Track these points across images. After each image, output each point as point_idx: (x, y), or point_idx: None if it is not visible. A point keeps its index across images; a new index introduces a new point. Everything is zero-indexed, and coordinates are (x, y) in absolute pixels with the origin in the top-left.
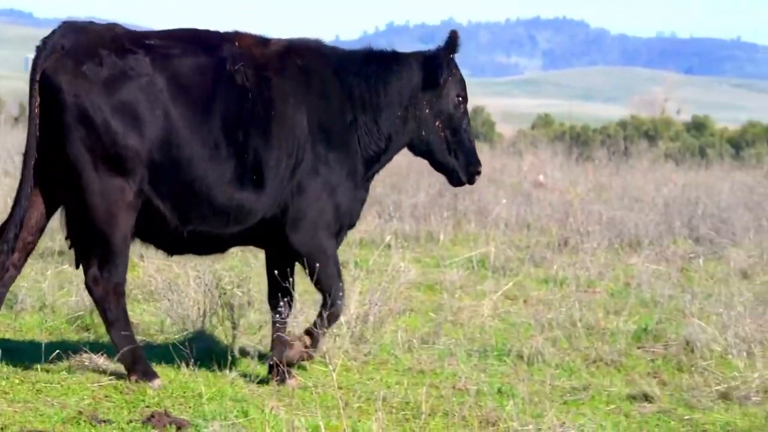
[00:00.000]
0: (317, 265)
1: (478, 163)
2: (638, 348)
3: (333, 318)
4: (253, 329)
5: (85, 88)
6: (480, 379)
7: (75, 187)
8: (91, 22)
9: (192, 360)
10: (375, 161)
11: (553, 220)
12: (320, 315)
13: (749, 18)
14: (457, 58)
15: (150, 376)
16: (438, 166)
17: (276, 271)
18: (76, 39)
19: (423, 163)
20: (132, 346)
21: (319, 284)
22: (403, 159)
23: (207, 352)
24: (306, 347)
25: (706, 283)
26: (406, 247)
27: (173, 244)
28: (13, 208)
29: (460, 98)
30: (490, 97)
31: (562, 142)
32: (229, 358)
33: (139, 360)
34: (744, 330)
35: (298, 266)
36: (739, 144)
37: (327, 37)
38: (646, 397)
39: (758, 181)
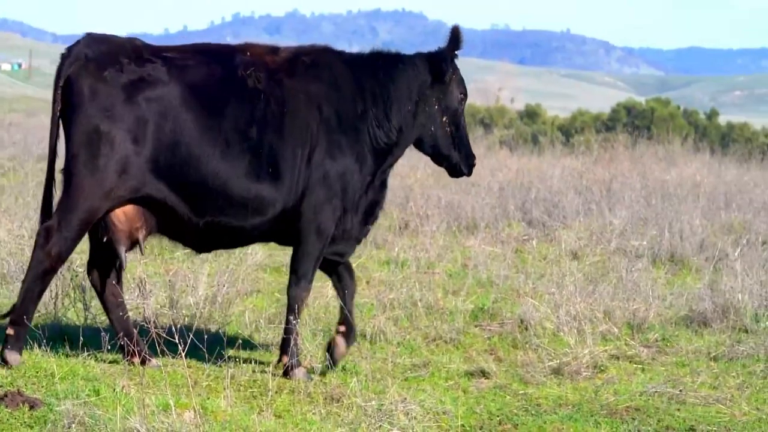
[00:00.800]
0: (309, 238)
1: (474, 155)
2: (475, 326)
3: (303, 294)
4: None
5: (105, 93)
6: (325, 358)
7: (67, 173)
8: (113, 36)
9: (44, 341)
10: (388, 153)
11: (394, 204)
12: (288, 302)
13: (578, 11)
14: None
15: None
16: (442, 159)
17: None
18: (99, 48)
19: None
20: (21, 321)
21: (295, 262)
22: None
23: (59, 333)
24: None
25: (539, 263)
26: None
27: (197, 239)
28: (44, 203)
29: (462, 95)
30: None
31: None
32: (81, 338)
33: (19, 337)
34: (575, 308)
35: None
36: (569, 131)
37: (174, 27)
38: (483, 373)
39: (587, 166)
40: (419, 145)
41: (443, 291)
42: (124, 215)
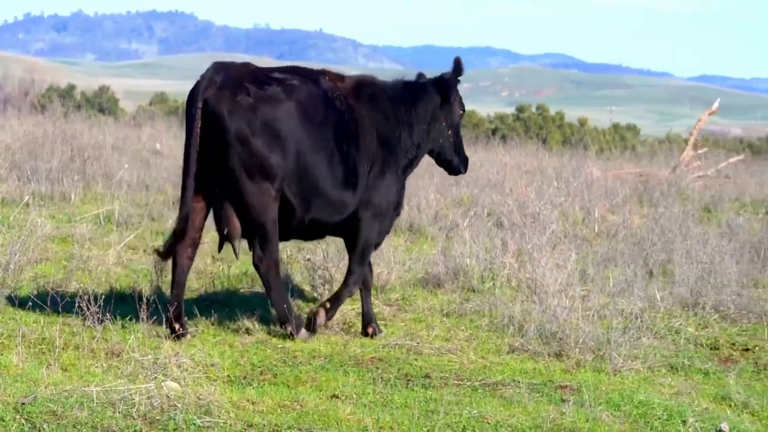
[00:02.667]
0: (366, 240)
1: (467, 157)
2: (240, 288)
3: (355, 285)
4: None
5: (240, 113)
6: (106, 318)
7: (234, 189)
8: (232, 63)
9: None
10: (409, 166)
11: (169, 181)
12: (345, 283)
13: (329, 13)
14: (86, 44)
15: (299, 328)
16: (445, 163)
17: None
18: (226, 75)
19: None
20: (288, 305)
21: (354, 259)
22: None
23: None
24: (327, 311)
25: None
26: (42, 205)
27: (294, 230)
28: (181, 210)
29: (462, 111)
30: (114, 78)
31: (176, 116)
32: None
33: (293, 315)
34: (328, 273)
35: None
36: None
37: None
38: (247, 330)
39: None
40: (429, 153)
41: (211, 258)
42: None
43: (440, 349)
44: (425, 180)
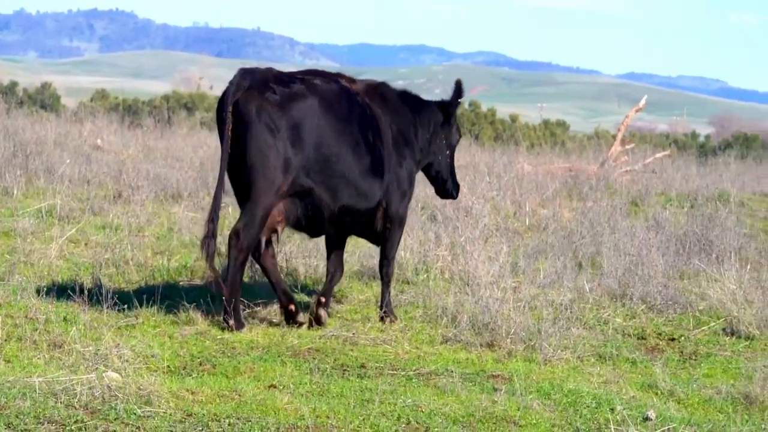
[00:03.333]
0: (396, 229)
1: (458, 184)
2: (180, 281)
3: (390, 273)
4: None
5: (268, 111)
6: (48, 310)
7: (247, 174)
8: (257, 68)
9: None
10: (417, 164)
11: (109, 176)
12: (384, 270)
13: (266, 12)
14: (28, 42)
15: (237, 323)
16: (441, 183)
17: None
18: (253, 78)
19: None
20: (238, 293)
21: (387, 243)
22: None
23: None
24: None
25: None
26: None
27: (324, 222)
28: (211, 208)
29: (459, 136)
30: (56, 75)
31: (117, 112)
32: None
33: (236, 309)
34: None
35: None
36: None
37: None
38: (187, 322)
39: None
40: (428, 170)
41: (152, 251)
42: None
43: (375, 339)
44: None
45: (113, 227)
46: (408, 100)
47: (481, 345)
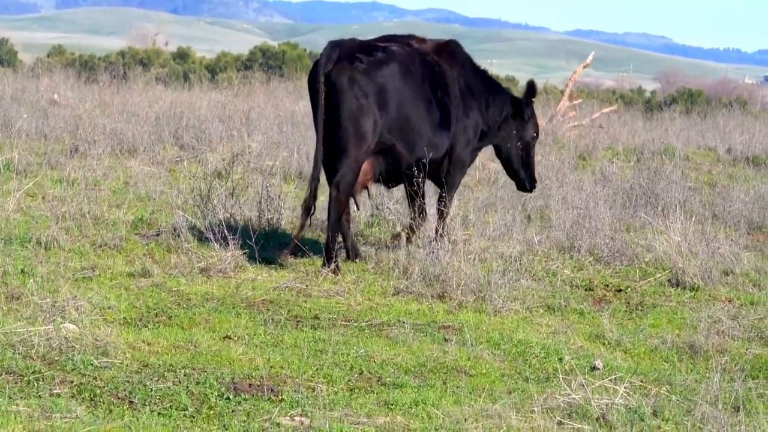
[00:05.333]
0: (457, 171)
1: (536, 180)
2: (136, 234)
3: (446, 215)
4: None
5: (357, 79)
6: (6, 262)
7: (339, 135)
8: (342, 40)
9: None
10: (482, 138)
11: (66, 131)
12: (441, 211)
13: None
14: None
15: (329, 261)
16: (512, 173)
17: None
18: (341, 50)
19: None
20: (335, 237)
21: (447, 186)
22: None
23: None
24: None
25: (189, 181)
26: None
27: (402, 174)
28: (313, 171)
29: (535, 134)
30: (13, 30)
31: (73, 68)
32: None
33: (334, 249)
34: (219, 218)
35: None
36: (214, 70)
37: None
38: (143, 274)
39: (229, 99)
40: (498, 152)
41: (108, 205)
42: (361, 171)
43: (329, 291)
44: (313, 129)
45: (70, 181)
46: (478, 69)
47: (432, 296)
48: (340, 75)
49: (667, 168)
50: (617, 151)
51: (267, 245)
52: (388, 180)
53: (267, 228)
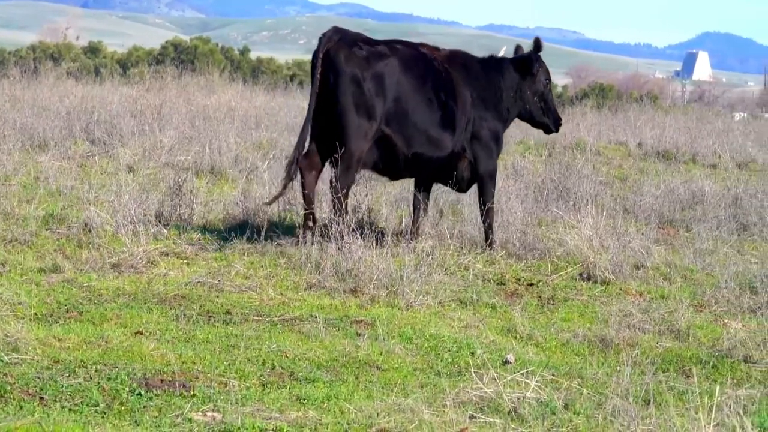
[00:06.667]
0: (488, 182)
1: (560, 117)
2: (47, 230)
3: (490, 219)
4: None
5: (354, 61)
6: None
7: (339, 123)
8: (348, 29)
9: None
10: (504, 123)
11: None
12: (485, 217)
13: None
14: None
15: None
16: (536, 124)
17: (424, 192)
18: (344, 35)
19: None
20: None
21: (483, 196)
22: None
23: None
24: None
25: (101, 176)
26: None
27: (403, 167)
28: (299, 141)
29: (547, 80)
30: None
31: None
32: None
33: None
34: (131, 213)
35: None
36: (126, 64)
37: None
38: (54, 269)
39: (141, 94)
40: (522, 117)
41: (18, 200)
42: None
43: (241, 286)
44: (225, 124)
45: None
46: (491, 66)
47: (344, 291)
48: (338, 54)
49: (578, 162)
50: (529, 145)
51: (179, 240)
52: (385, 170)
53: (179, 223)
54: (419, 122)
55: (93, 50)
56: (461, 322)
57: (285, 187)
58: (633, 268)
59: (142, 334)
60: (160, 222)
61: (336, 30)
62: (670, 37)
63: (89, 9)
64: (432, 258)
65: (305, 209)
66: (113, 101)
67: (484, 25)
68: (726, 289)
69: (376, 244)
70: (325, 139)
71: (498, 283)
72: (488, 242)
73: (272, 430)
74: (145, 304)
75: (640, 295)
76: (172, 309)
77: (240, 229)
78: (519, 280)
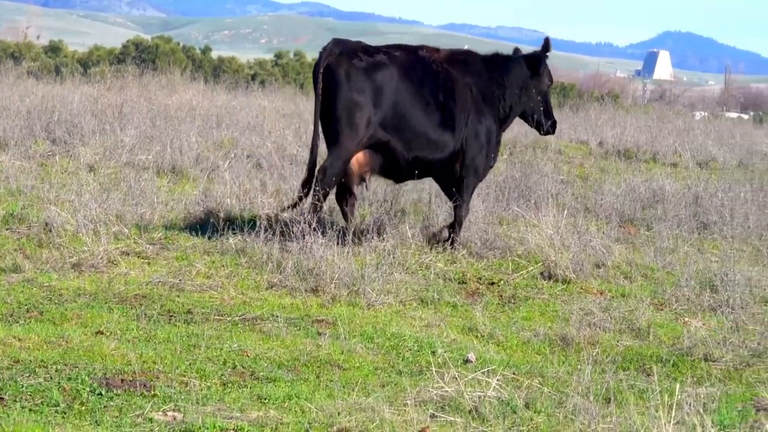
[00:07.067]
0: (471, 176)
1: (556, 121)
2: (7, 229)
3: (461, 215)
4: None
5: (354, 74)
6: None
7: (333, 126)
8: (348, 39)
9: None
10: (503, 122)
11: None
12: (454, 218)
13: None
14: None
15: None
16: (534, 123)
17: (446, 194)
18: (344, 47)
19: None
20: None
21: (459, 191)
22: None
23: None
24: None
25: (61, 175)
26: None
27: (404, 170)
28: (310, 155)
29: (550, 82)
30: None
31: None
32: None
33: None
34: (91, 213)
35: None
36: (86, 64)
37: None
38: (14, 269)
39: (102, 93)
40: (522, 116)
41: None
42: (357, 162)
43: (202, 286)
44: (187, 124)
45: None
46: (495, 63)
47: (305, 290)
48: (338, 68)
49: (539, 161)
50: None
51: (140, 240)
52: (389, 174)
53: (140, 222)
54: (418, 126)
55: (54, 49)
56: (422, 321)
57: (296, 204)
58: (594, 266)
59: (102, 333)
60: (121, 221)
61: (336, 42)
62: (631, 36)
63: (50, 8)
64: (393, 257)
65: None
66: (74, 100)
67: (445, 24)
68: (686, 288)
69: (338, 243)
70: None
71: (459, 282)
72: (450, 238)
73: (233, 429)
74: (106, 303)
75: (601, 293)
76: (132, 309)
77: (201, 229)
78: (480, 279)
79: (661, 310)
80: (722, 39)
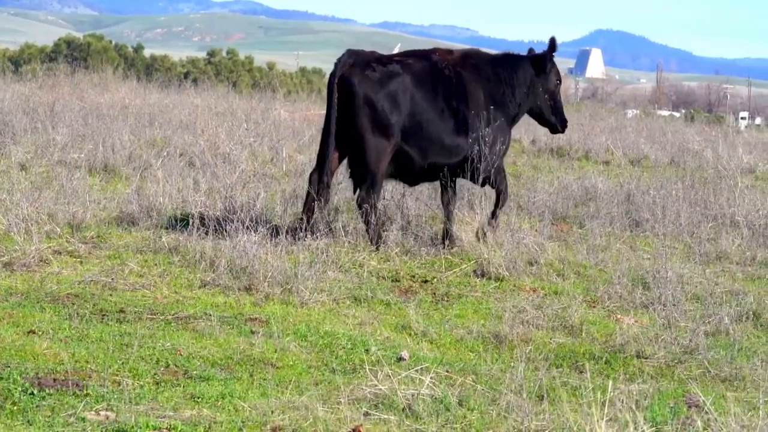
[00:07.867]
0: (499, 177)
1: (566, 120)
2: None
3: (503, 206)
4: None
5: (368, 84)
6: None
7: (358, 144)
8: (362, 50)
9: None
10: (513, 120)
11: None
12: (495, 208)
13: None
14: None
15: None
16: (544, 122)
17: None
18: (357, 58)
19: None
20: (380, 238)
21: (498, 189)
22: None
23: None
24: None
25: None
26: None
27: (419, 175)
28: (321, 162)
29: (558, 81)
30: None
31: None
32: None
33: (380, 240)
34: (23, 212)
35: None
36: (18, 62)
37: None
38: None
39: (33, 91)
40: (530, 114)
41: None
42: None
43: (134, 284)
44: (119, 122)
45: None
46: (503, 63)
47: (239, 289)
48: (352, 78)
49: None
50: None
51: (72, 239)
52: (404, 179)
53: (72, 221)
54: (434, 133)
55: None
56: (356, 320)
57: (312, 212)
58: (527, 264)
59: (34, 333)
60: (53, 220)
61: (350, 53)
62: (563, 34)
63: None
64: (326, 255)
65: (306, 213)
66: (5, 99)
67: (378, 22)
68: (619, 285)
69: (271, 242)
70: (341, 155)
71: (392, 280)
72: (494, 223)
73: (166, 428)
74: (38, 302)
75: (534, 291)
76: (65, 308)
77: (134, 227)
78: (413, 277)
79: (594, 307)
80: (654, 37)
